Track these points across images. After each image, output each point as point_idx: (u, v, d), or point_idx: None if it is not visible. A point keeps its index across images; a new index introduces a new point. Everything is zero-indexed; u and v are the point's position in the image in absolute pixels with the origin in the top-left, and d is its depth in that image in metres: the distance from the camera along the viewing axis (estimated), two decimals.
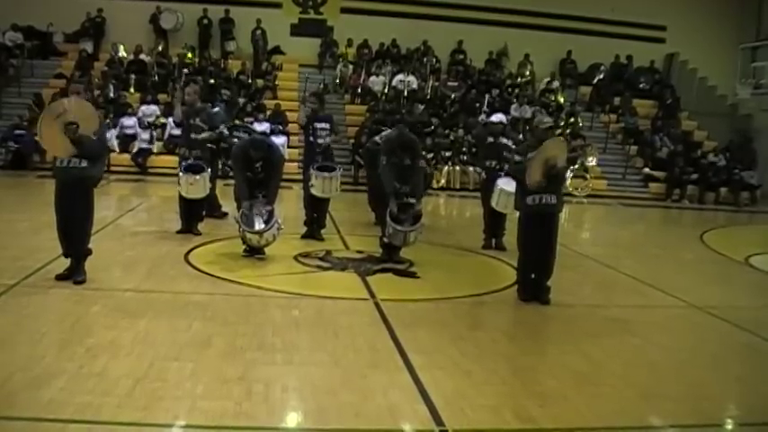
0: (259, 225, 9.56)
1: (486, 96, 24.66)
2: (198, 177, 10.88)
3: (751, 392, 6.23)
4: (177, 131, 15.07)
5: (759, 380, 6.58)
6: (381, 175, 10.16)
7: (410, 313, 7.87)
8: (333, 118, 12.11)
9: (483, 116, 11.78)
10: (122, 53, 24.42)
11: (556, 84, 26.27)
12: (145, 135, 21.02)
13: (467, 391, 5.63)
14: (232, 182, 11.27)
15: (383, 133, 12.71)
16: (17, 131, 20.01)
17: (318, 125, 11.43)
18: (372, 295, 8.44)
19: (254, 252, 9.87)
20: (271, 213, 9.70)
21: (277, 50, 26.08)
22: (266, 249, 9.93)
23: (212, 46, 25.50)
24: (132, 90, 23.27)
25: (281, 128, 20.94)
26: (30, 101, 21.52)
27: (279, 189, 10.32)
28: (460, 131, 22.86)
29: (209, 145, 11.35)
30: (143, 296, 7.82)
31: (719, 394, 6.14)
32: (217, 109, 12.57)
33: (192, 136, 11.10)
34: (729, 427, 5.65)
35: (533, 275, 8.53)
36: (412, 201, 9.92)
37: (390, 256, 10.01)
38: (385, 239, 9.92)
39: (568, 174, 19.00)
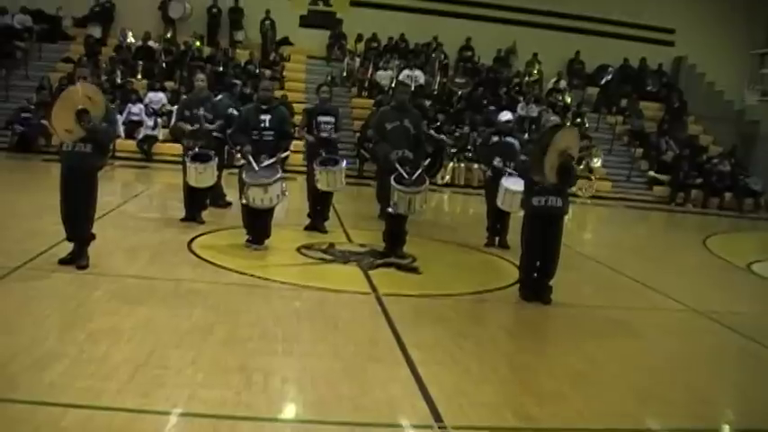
0: (266, 179, 9.45)
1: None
2: (206, 166, 10.86)
3: (749, 398, 6.24)
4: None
5: (758, 386, 6.59)
6: (375, 147, 9.94)
7: (411, 308, 7.88)
8: (339, 111, 12.10)
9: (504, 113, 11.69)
10: (130, 39, 24.43)
11: (563, 84, 26.28)
12: (150, 122, 21.02)
13: (466, 388, 5.63)
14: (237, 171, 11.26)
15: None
16: (24, 114, 20.01)
17: (323, 118, 11.43)
18: (374, 289, 8.44)
19: (254, 242, 9.85)
20: (277, 172, 9.58)
21: (285, 41, 26.08)
22: (269, 241, 9.93)
23: (221, 35, 25.52)
24: (140, 77, 23.27)
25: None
26: (37, 84, 21.49)
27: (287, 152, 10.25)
28: (466, 128, 22.87)
29: (215, 134, 11.31)
30: (145, 283, 7.82)
31: (718, 399, 6.15)
32: (220, 97, 12.53)
33: (185, 127, 11.04)
34: (727, 431, 5.65)
35: (535, 275, 8.52)
36: (410, 155, 9.69)
37: (393, 250, 9.99)
38: (390, 210, 9.69)
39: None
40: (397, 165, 9.50)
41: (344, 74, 25.19)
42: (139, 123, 21.04)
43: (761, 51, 26.50)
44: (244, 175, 9.53)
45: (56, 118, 7.74)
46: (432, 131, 20.50)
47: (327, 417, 4.96)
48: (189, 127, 10.49)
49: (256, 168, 9.49)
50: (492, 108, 22.66)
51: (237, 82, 21.76)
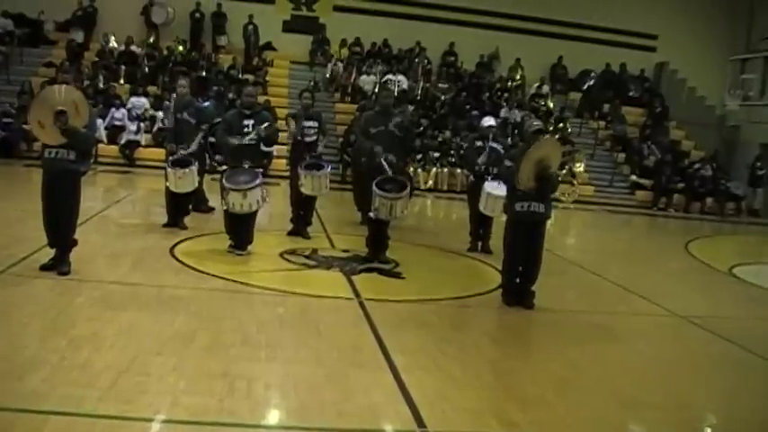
0: (245, 185, 9.48)
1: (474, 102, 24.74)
2: (186, 171, 10.83)
3: (731, 403, 6.28)
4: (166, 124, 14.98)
5: (740, 390, 6.63)
6: (358, 151, 9.92)
7: (394, 314, 7.87)
8: (322, 116, 12.09)
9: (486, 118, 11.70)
10: (113, 44, 24.34)
11: (546, 89, 26.36)
12: (133, 127, 20.94)
13: (449, 394, 5.64)
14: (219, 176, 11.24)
15: None
16: (5, 119, 19.88)
17: (306, 123, 11.42)
18: (357, 295, 8.44)
19: (237, 247, 9.83)
20: (257, 177, 9.61)
21: (269, 46, 26.06)
22: (252, 246, 9.91)
23: (204, 40, 25.46)
24: (122, 81, 23.19)
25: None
26: (18, 89, 21.36)
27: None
28: (448, 133, 22.91)
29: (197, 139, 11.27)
30: (127, 289, 7.78)
31: (700, 404, 6.18)
32: (207, 104, 12.50)
33: (183, 152, 10.97)
34: None
35: (518, 280, 8.54)
36: (392, 159, 9.69)
37: (376, 255, 10.00)
38: (371, 215, 9.72)
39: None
40: (382, 160, 9.52)
41: (328, 77, 25.17)
42: (122, 128, 20.96)
43: (741, 57, 26.71)
44: (224, 180, 9.53)
45: (33, 114, 7.73)
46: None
47: (310, 423, 4.95)
48: (236, 141, 10.15)
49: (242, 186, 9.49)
50: (475, 113, 22.71)
51: (217, 88, 21.70)
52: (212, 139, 11.98)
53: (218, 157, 9.87)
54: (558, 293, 9.43)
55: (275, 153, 17.74)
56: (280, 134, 12.37)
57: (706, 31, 27.45)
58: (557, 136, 23.22)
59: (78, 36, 24.20)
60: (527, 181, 8.07)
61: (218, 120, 11.51)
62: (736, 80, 26.45)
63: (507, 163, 8.94)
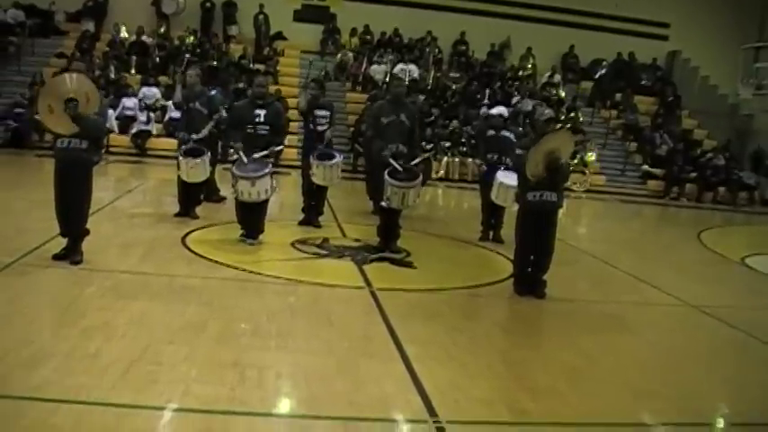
0: (254, 173, 9.46)
1: (487, 90, 24.64)
2: (198, 161, 10.83)
3: (743, 393, 6.23)
4: (177, 114, 14.98)
5: (751, 380, 6.58)
6: (370, 141, 9.91)
7: (405, 303, 7.86)
8: (333, 106, 12.09)
9: (484, 109, 11.63)
10: (124, 34, 24.38)
11: (557, 78, 26.29)
12: (144, 117, 20.98)
13: (461, 383, 5.62)
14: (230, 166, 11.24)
15: None
16: (17, 110, 19.96)
17: (319, 112, 11.41)
18: (368, 284, 8.43)
19: (248, 237, 9.83)
20: (266, 166, 9.58)
21: (279, 36, 26.06)
22: (263, 236, 9.91)
23: (214, 30, 25.46)
24: (133, 71, 23.22)
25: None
26: (29, 79, 21.41)
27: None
28: (455, 122, 22.85)
29: (211, 129, 11.27)
30: (139, 278, 7.79)
31: (711, 393, 6.13)
32: (214, 92, 12.49)
33: (195, 137, 10.98)
34: (720, 426, 5.65)
35: (530, 269, 8.51)
36: (404, 150, 9.70)
37: (387, 245, 9.98)
38: (383, 204, 9.71)
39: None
40: (390, 160, 9.50)
41: (339, 65, 25.13)
42: (133, 118, 21.00)
43: (755, 45, 26.48)
44: (233, 169, 9.52)
45: (43, 99, 7.72)
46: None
47: (321, 412, 4.94)
48: (240, 145, 10.11)
49: (245, 161, 9.48)
50: (486, 102, 22.66)
51: (222, 76, 21.71)
52: (223, 127, 11.93)
53: (234, 144, 9.81)
54: (570, 283, 9.40)
55: (286, 142, 17.72)
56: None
57: (719, 19, 27.25)
58: (568, 125, 23.21)
59: (89, 26, 24.25)
60: (534, 168, 8.02)
61: (222, 112, 11.52)
62: (750, 69, 26.25)
63: (518, 152, 8.89)
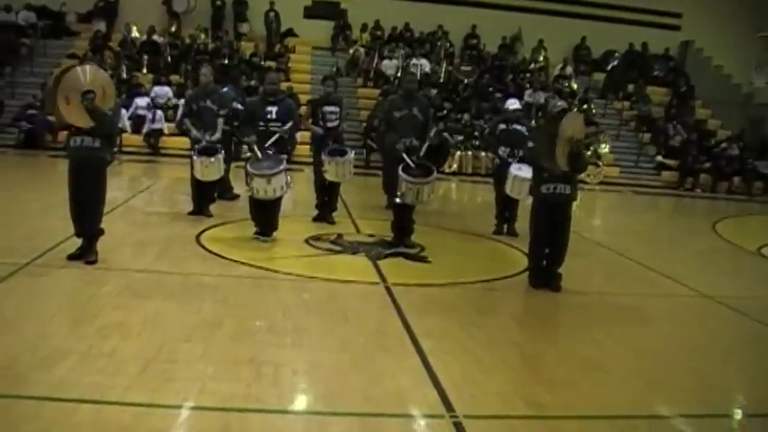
0: (269, 170, 9.46)
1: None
2: (213, 159, 10.84)
3: (760, 384, 6.20)
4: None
5: None
6: (383, 135, 9.92)
7: (420, 298, 7.86)
8: (343, 101, 12.09)
9: (512, 99, 11.63)
10: (135, 34, 24.44)
11: (569, 70, 26.21)
12: (156, 116, 21.02)
13: (476, 377, 5.62)
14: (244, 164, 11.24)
15: None
16: (30, 111, 20.01)
17: (328, 108, 11.41)
18: (383, 279, 8.43)
19: (262, 234, 9.84)
20: (281, 163, 9.57)
21: (290, 33, 26.07)
22: (277, 233, 9.92)
23: (225, 27, 25.50)
24: (145, 71, 23.28)
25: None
26: (42, 81, 21.49)
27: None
28: (467, 116, 22.80)
29: (223, 126, 11.30)
30: (154, 277, 7.82)
31: (728, 385, 6.11)
32: (225, 89, 12.51)
33: (209, 138, 10.98)
34: (737, 418, 5.62)
35: (544, 262, 8.49)
36: (417, 144, 9.68)
37: (401, 240, 9.98)
38: (397, 200, 9.71)
39: None
40: (404, 155, 9.50)
41: (349, 62, 25.12)
42: (146, 118, 21.03)
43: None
44: (248, 166, 9.53)
45: (60, 91, 7.68)
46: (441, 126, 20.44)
47: (338, 408, 4.95)
48: (254, 138, 10.12)
49: (259, 156, 9.49)
50: (498, 95, 22.60)
51: (232, 73, 21.70)
52: (236, 123, 11.93)
53: (247, 139, 9.83)
54: (585, 275, 9.38)
55: (299, 139, 17.71)
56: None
57: (732, 8, 27.07)
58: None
59: (100, 27, 24.31)
60: (561, 158, 7.98)
61: (237, 105, 11.53)
62: (763, 58, 26.12)
63: (530, 144, 8.86)
